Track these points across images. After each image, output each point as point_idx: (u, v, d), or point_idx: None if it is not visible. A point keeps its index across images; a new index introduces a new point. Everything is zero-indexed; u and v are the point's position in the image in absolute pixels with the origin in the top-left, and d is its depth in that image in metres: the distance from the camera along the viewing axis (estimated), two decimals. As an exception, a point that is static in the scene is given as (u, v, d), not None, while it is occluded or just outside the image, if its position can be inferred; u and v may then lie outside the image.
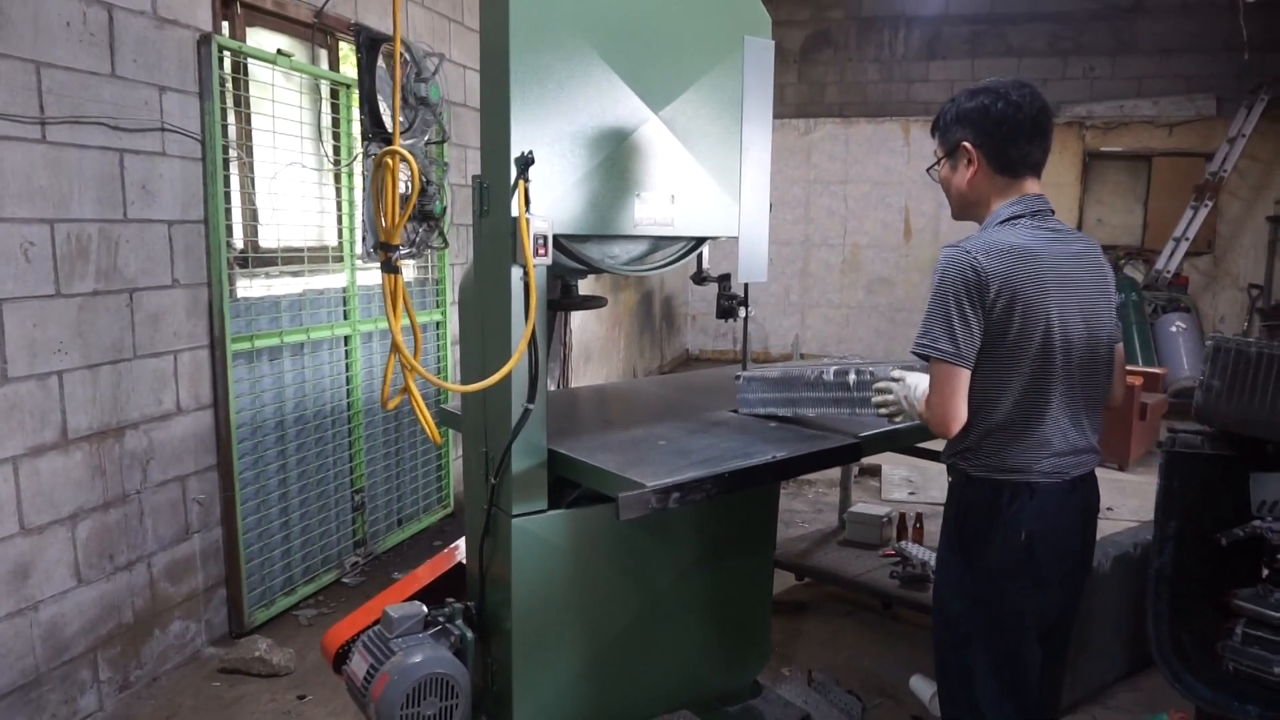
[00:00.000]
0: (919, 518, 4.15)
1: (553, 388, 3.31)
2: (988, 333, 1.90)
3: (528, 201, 2.14)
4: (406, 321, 2.25)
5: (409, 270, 4.86)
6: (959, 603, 2.09)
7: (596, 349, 7.65)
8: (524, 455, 2.28)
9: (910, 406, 2.09)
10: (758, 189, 2.64)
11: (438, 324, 4.97)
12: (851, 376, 2.43)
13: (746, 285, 2.73)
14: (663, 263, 2.71)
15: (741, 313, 2.78)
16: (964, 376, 1.91)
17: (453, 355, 4.99)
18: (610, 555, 2.50)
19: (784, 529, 4.81)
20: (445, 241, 3.96)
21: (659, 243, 2.62)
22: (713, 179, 2.57)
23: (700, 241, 2.71)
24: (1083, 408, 2.02)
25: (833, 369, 2.49)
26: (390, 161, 2.04)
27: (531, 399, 2.26)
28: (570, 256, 2.43)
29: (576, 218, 2.32)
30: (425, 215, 3.63)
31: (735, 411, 2.80)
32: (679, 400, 3.23)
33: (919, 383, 2.08)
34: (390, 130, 3.76)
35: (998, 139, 2.00)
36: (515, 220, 2.15)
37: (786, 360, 6.55)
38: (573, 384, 6.63)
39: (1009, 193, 2.03)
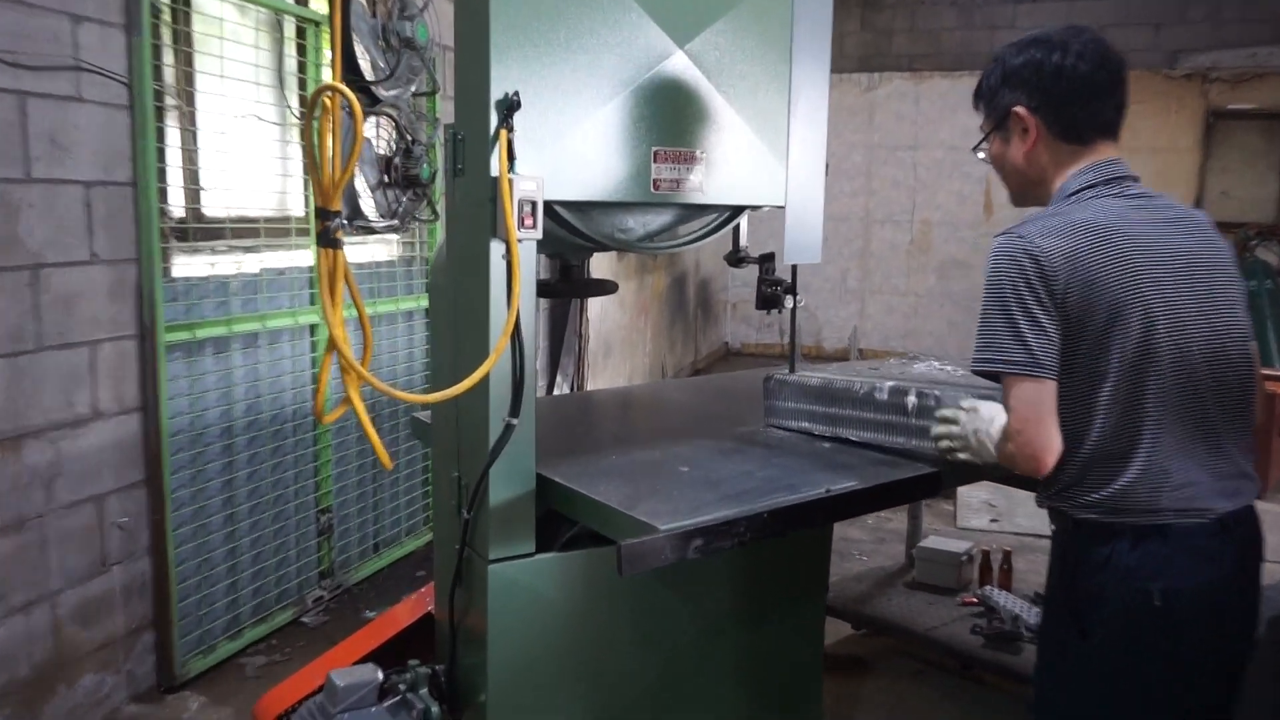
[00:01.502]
0: (1007, 557, 3.93)
1: (566, 390, 3.13)
2: (1065, 333, 1.78)
3: (512, 158, 2.02)
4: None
5: (391, 247, 4.72)
6: (1069, 688, 1.90)
7: (618, 341, 7.44)
8: (505, 483, 2.15)
9: (980, 445, 1.97)
10: (811, 147, 2.51)
11: (426, 311, 4.79)
12: (911, 399, 2.33)
13: (795, 268, 2.61)
14: (688, 238, 2.58)
15: (789, 302, 2.66)
16: (1050, 390, 1.77)
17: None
18: (616, 608, 2.37)
19: (839, 563, 4.61)
20: (435, 213, 3.71)
21: (684, 213, 2.50)
22: (753, 133, 2.43)
23: (737, 212, 2.60)
24: (1220, 422, 1.85)
25: (888, 385, 2.39)
26: (328, 102, 1.82)
27: (515, 412, 2.11)
28: (569, 230, 2.29)
29: (577, 179, 2.20)
30: (410, 181, 3.38)
31: (780, 428, 2.63)
32: (710, 409, 3.17)
33: (996, 415, 1.95)
34: (370, 78, 3.51)
35: (1057, 98, 1.91)
36: (495, 181, 2.01)
37: (842, 359, 6.29)
38: (588, 384, 6.43)
39: (1077, 162, 1.93)
